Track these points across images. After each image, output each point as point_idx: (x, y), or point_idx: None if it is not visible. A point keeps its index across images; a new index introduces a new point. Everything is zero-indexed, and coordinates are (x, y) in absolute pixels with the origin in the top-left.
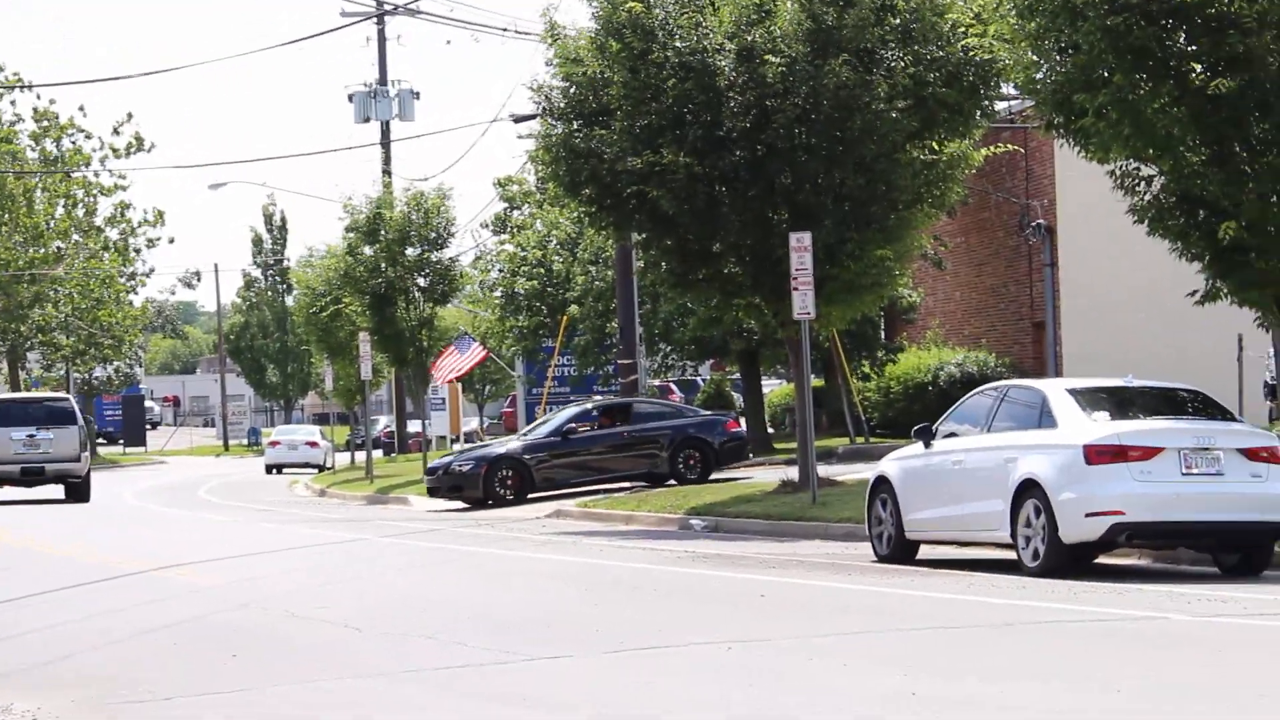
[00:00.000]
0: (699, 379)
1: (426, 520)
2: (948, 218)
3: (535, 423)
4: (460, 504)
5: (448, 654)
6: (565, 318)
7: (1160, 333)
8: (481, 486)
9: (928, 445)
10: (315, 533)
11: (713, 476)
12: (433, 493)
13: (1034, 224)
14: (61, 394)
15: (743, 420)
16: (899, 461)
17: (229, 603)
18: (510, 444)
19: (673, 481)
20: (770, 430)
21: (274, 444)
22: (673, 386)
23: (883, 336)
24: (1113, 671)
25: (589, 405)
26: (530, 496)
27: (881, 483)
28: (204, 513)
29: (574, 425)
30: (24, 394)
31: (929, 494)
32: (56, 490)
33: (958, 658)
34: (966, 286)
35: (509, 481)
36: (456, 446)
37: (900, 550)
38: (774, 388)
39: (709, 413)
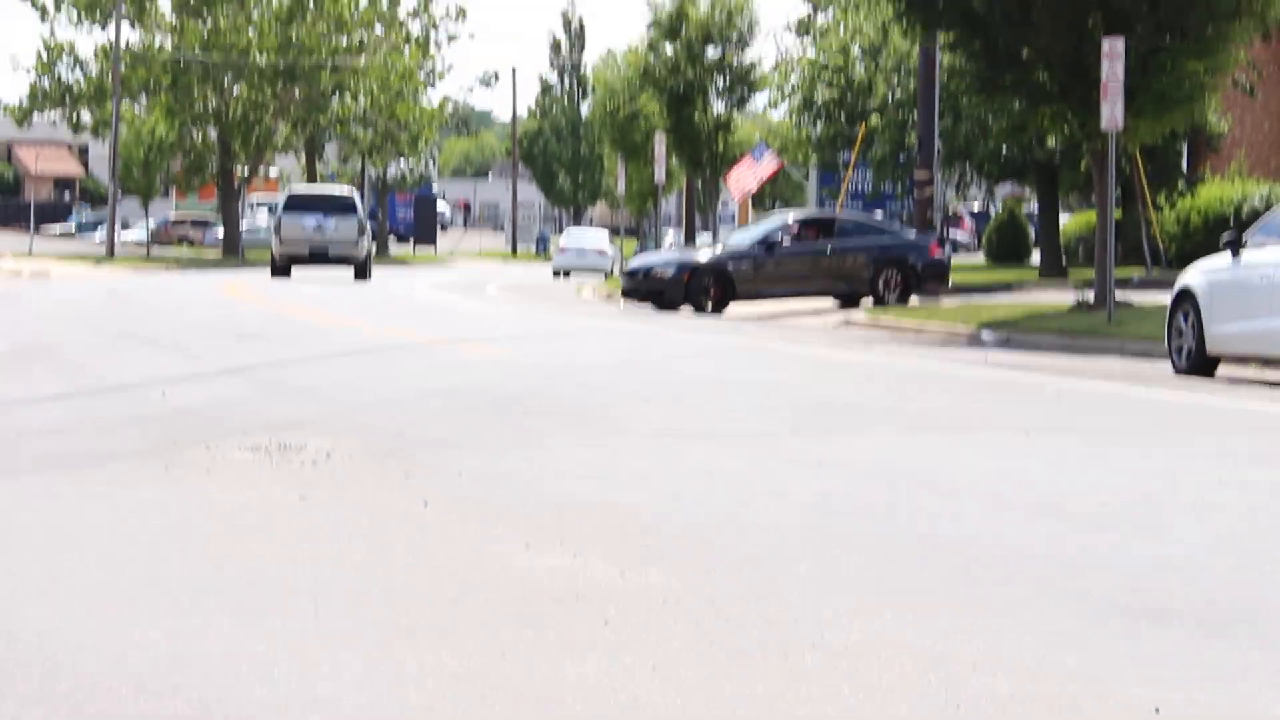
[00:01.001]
0: (990, 210)
1: (707, 320)
2: (1262, 42)
3: (737, 230)
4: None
5: (746, 424)
6: (864, 126)
7: None
8: (685, 292)
9: (1235, 256)
10: (609, 324)
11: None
12: (627, 295)
13: None
14: (345, 188)
15: (980, 238)
16: (1204, 274)
17: (524, 371)
18: (713, 251)
19: (870, 301)
20: (1064, 260)
21: (563, 250)
22: (964, 215)
23: (1184, 167)
24: None
25: (790, 217)
26: (730, 306)
27: (1184, 295)
28: (492, 305)
29: (778, 236)
30: (313, 188)
31: (1235, 307)
32: (345, 275)
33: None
34: (1276, 116)
35: (710, 290)
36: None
37: (1200, 364)
38: (1067, 219)
39: (913, 233)
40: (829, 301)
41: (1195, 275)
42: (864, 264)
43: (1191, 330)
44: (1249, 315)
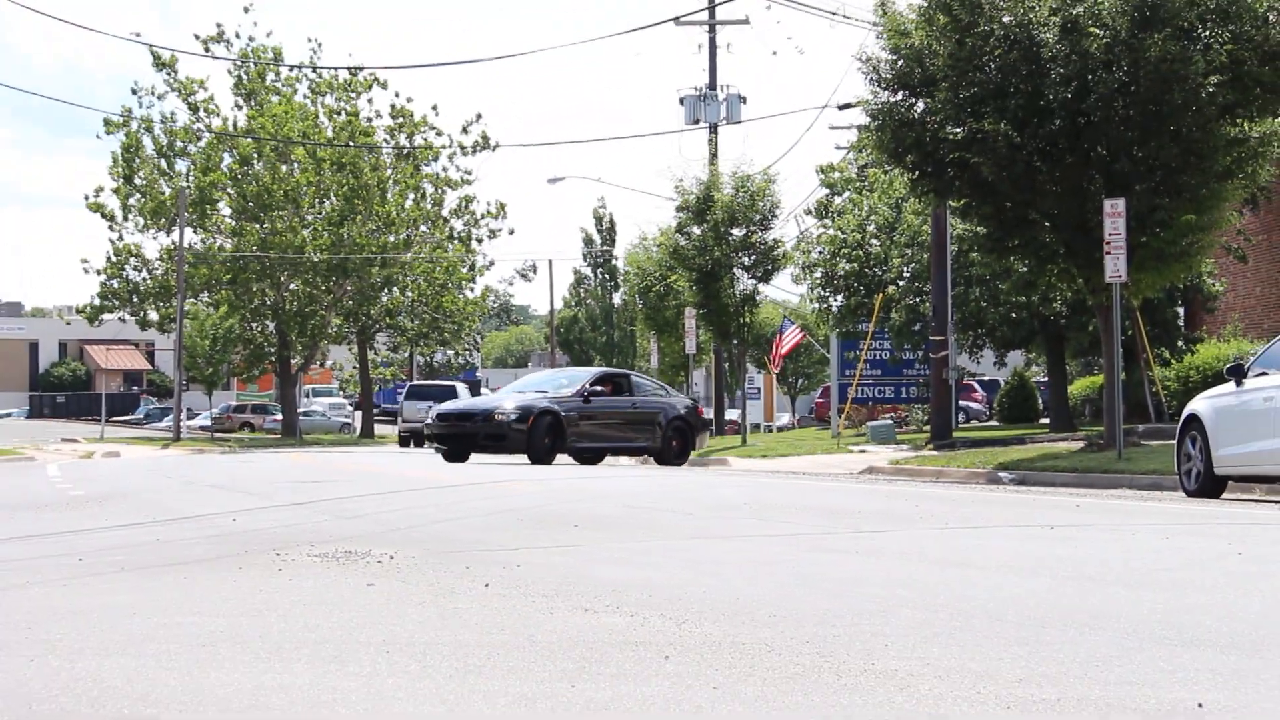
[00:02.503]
0: (999, 380)
1: (738, 468)
2: (1252, 213)
3: (548, 376)
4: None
5: (778, 528)
6: (881, 298)
7: None
8: (527, 440)
9: (1239, 384)
10: (641, 471)
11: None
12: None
13: None
14: (452, 381)
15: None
16: (1210, 400)
17: (564, 498)
18: (543, 401)
19: (654, 460)
20: (1072, 420)
21: None
22: (976, 386)
23: (1182, 327)
24: None
25: (597, 372)
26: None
27: (1191, 421)
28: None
29: (595, 388)
30: (428, 382)
31: (1240, 430)
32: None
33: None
34: (1267, 282)
35: (547, 437)
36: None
37: (1209, 485)
38: (1073, 383)
39: (685, 398)
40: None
41: (1201, 403)
42: (659, 422)
43: (1200, 454)
44: (1254, 437)
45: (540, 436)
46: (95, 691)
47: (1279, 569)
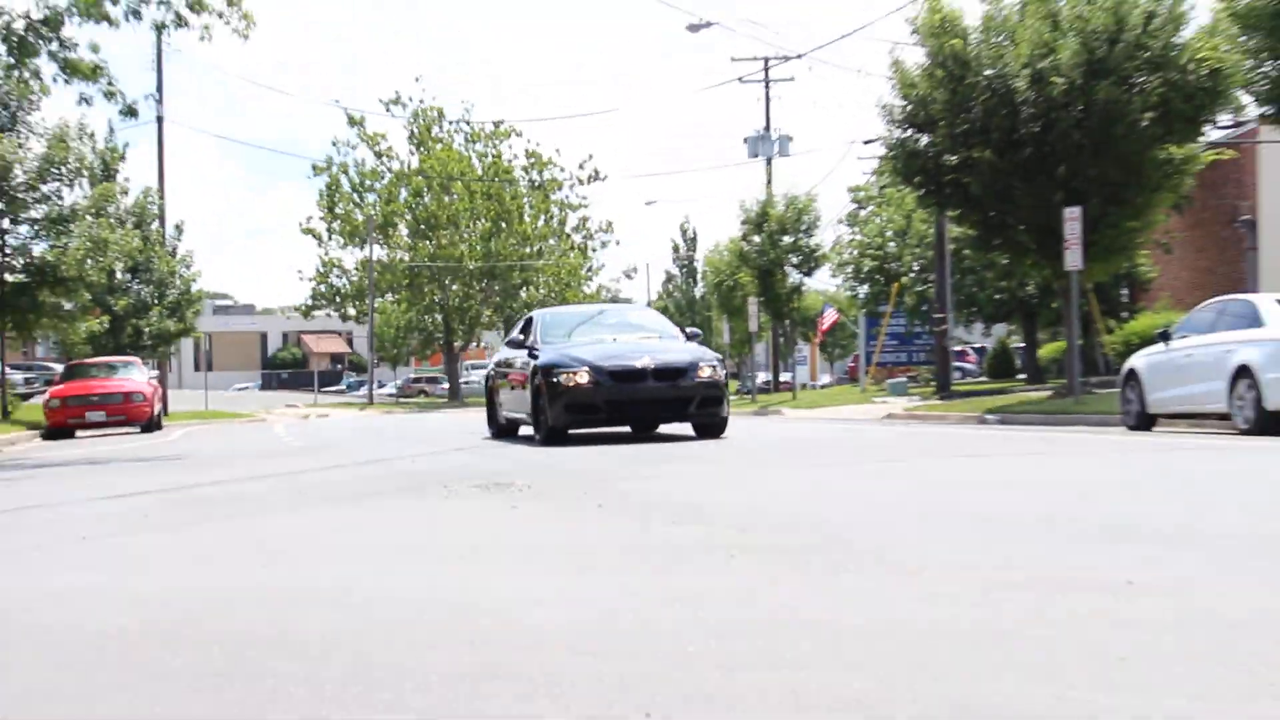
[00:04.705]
0: (986, 346)
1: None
2: (1177, 216)
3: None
4: None
5: (821, 458)
6: (897, 286)
7: None
8: None
9: (1167, 345)
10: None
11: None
12: None
13: (1241, 220)
14: None
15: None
16: (1145, 357)
17: (668, 446)
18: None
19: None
20: (1042, 376)
21: None
22: (970, 351)
23: (1125, 303)
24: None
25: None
26: None
27: (1131, 374)
28: None
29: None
30: None
31: (1167, 379)
32: None
33: (1178, 457)
34: (1189, 269)
35: None
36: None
37: (1144, 421)
38: (1042, 348)
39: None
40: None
41: (1138, 359)
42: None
43: (1137, 398)
44: (1177, 384)
45: None
46: (311, 588)
47: (1195, 483)
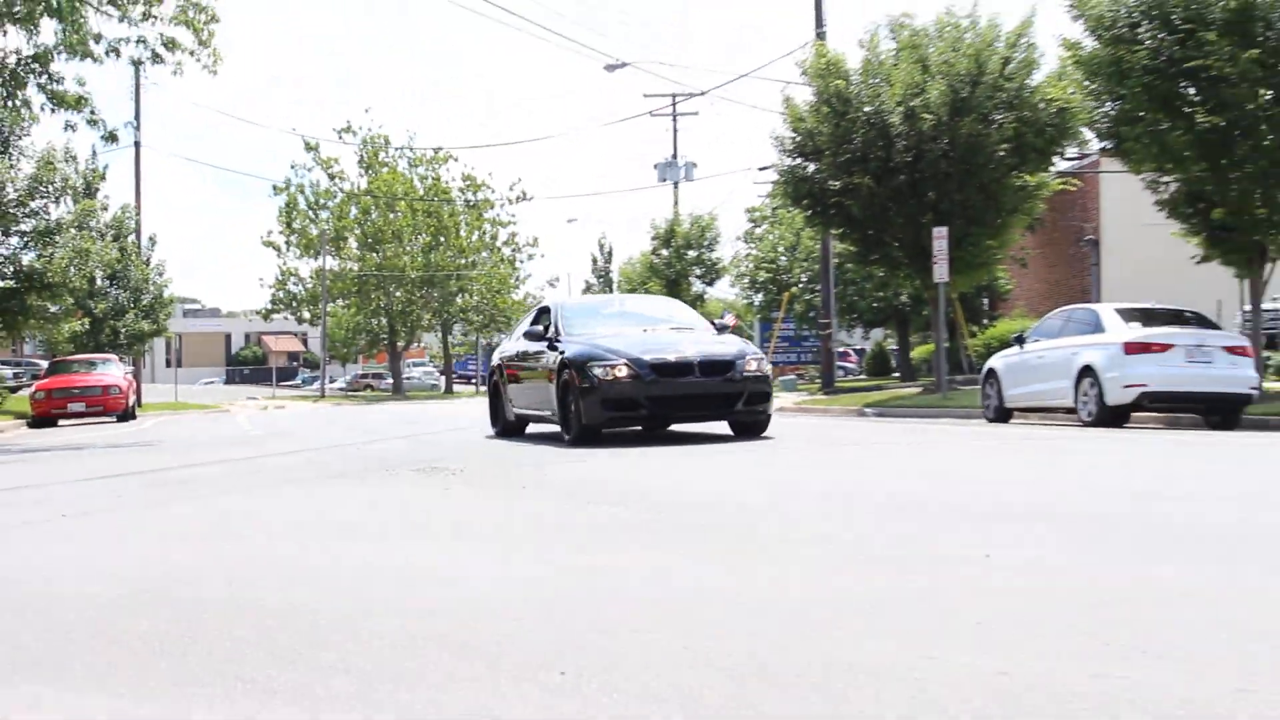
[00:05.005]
0: (865, 348)
1: None
2: (1030, 235)
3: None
4: None
5: (724, 446)
6: (788, 295)
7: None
8: None
9: (1022, 347)
10: None
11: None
12: None
13: (1085, 239)
14: None
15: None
16: (1003, 358)
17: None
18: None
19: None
20: (914, 374)
21: None
22: (850, 352)
23: (986, 311)
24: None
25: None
26: None
27: (990, 373)
28: None
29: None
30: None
31: (1021, 377)
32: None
33: (1032, 446)
34: (1041, 281)
35: None
36: None
37: (1001, 415)
38: (914, 350)
39: None
40: None
41: (997, 360)
42: None
43: (995, 394)
44: (1030, 382)
45: None
46: (269, 560)
47: (1047, 468)
